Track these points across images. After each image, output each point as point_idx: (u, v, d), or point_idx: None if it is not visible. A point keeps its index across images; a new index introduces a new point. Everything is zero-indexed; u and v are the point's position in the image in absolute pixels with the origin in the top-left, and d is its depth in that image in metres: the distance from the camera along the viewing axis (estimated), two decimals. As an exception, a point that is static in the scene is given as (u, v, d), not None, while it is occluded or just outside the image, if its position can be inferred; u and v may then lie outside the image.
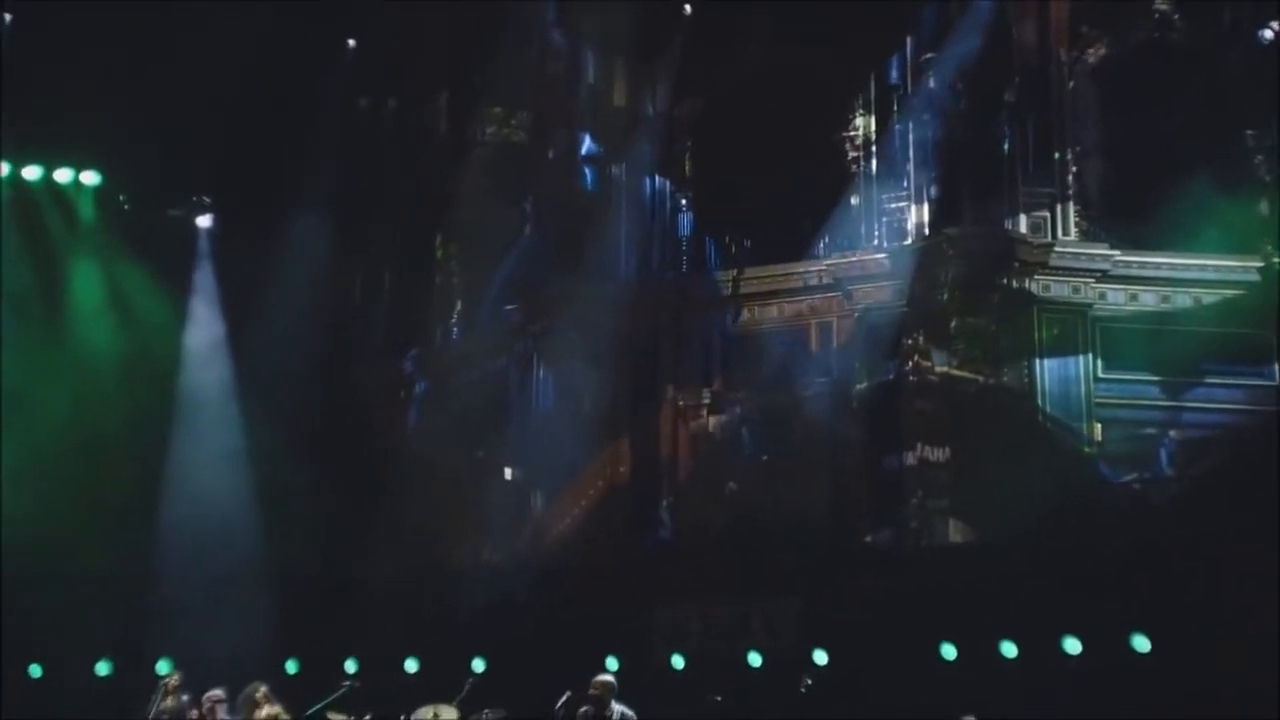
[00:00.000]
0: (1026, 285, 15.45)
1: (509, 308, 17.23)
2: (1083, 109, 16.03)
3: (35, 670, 15.59)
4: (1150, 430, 15.23)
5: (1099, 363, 15.34)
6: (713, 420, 16.41)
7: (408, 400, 17.57)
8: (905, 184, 15.95)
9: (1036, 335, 15.38)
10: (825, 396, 15.86)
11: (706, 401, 16.47)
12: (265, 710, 13.50)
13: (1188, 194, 14.78)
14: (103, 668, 15.70)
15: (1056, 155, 15.76)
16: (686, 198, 17.04)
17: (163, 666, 14.58)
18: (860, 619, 14.22)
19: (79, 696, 15.22)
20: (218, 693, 12.46)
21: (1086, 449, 15.19)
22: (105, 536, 15.40)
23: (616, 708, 11.47)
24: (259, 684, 13.70)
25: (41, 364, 15.82)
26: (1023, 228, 15.57)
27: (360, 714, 13.22)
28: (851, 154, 16.36)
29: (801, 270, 16.22)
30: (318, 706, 13.44)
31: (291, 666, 15.26)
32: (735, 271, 16.58)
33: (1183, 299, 15.44)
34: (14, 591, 15.01)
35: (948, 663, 13.96)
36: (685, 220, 16.99)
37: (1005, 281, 15.45)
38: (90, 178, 16.24)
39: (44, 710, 14.81)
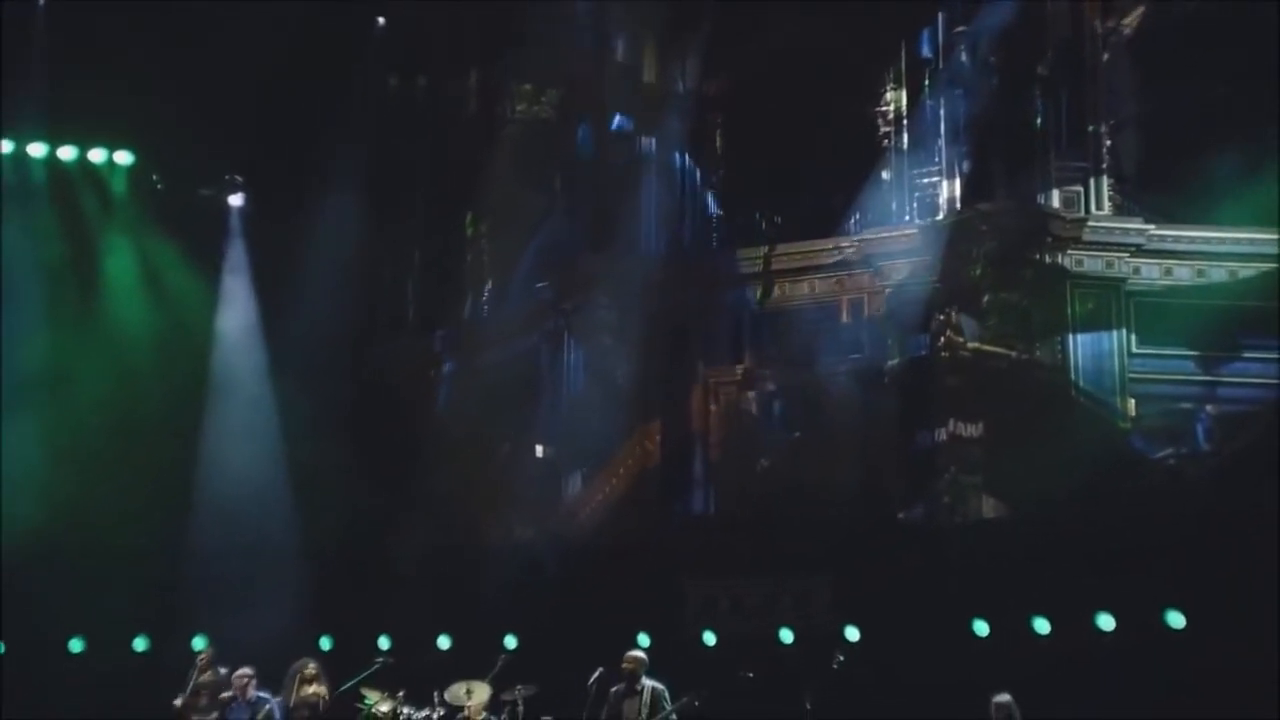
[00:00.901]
0: (1059, 260, 15.33)
1: (539, 285, 17.23)
2: (1117, 81, 15.84)
3: (76, 645, 15.82)
4: (1186, 405, 15.09)
5: (1133, 338, 15.21)
6: (743, 397, 16.38)
7: (438, 378, 17.61)
8: (937, 159, 15.83)
9: (1069, 310, 15.26)
10: (856, 373, 15.80)
11: (737, 378, 16.44)
12: (312, 687, 13.67)
13: (1223, 167, 14.62)
14: (140, 643, 15.91)
15: (1090, 129, 15.59)
16: (717, 174, 16.98)
17: (198, 642, 14.75)
18: (892, 595, 14.22)
19: (118, 671, 15.41)
20: (247, 670, 12.59)
21: (1121, 424, 15.09)
22: (141, 514, 15.56)
23: (648, 683, 11.53)
24: (308, 660, 13.89)
25: (78, 343, 15.97)
26: (1055, 202, 15.44)
27: (393, 691, 13.31)
28: (882, 129, 16.24)
29: (832, 246, 16.13)
30: (351, 683, 13.57)
31: (325, 643, 15.41)
32: (766, 248, 16.51)
33: (1218, 273, 15.27)
34: (53, 567, 15.18)
35: (980, 639, 13.95)
36: (715, 197, 16.93)
37: (1038, 257, 15.34)
38: (124, 158, 16.37)
39: (84, 683, 15.02)
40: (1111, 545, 13.54)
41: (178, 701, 13.43)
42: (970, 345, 15.31)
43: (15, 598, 15.25)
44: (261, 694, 12.50)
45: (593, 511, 16.63)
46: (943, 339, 15.47)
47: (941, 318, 15.47)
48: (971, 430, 15.23)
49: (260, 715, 12.21)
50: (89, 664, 15.71)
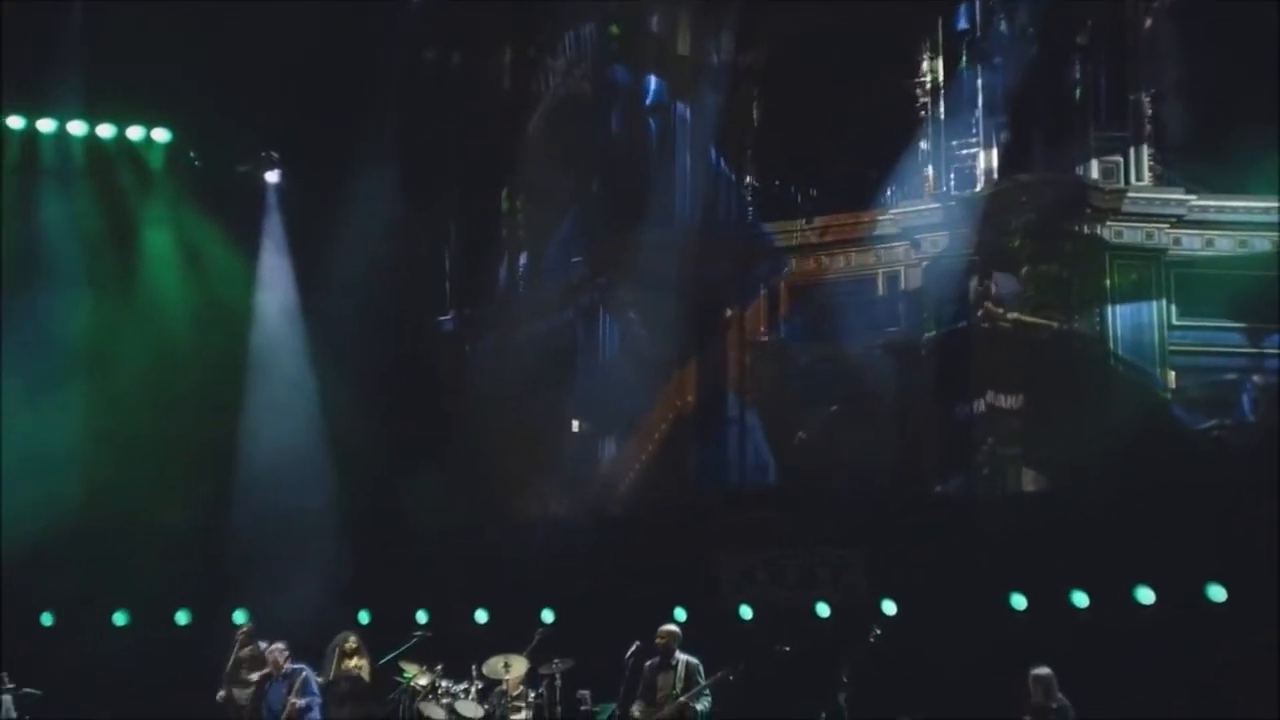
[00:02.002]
0: (1098, 232, 15.17)
1: (574, 260, 17.23)
2: (1158, 50, 15.62)
3: (120, 618, 16.03)
4: (1231, 376, 14.92)
5: (1173, 309, 15.06)
6: (779, 370, 16.32)
7: (474, 353, 17.65)
8: (974, 130, 15.67)
9: (1108, 282, 15.11)
10: (892, 346, 15.72)
11: (772, 352, 16.39)
12: (353, 660, 13.83)
13: (1267, 136, 14.42)
14: (182, 617, 16.09)
15: (1130, 98, 15.41)
16: (751, 147, 16.88)
17: (239, 616, 14.91)
18: (929, 569, 14.17)
19: (161, 644, 15.60)
20: (280, 645, 12.72)
21: (1162, 395, 14.94)
22: (182, 490, 15.70)
23: (682, 657, 11.55)
24: (349, 633, 14.03)
25: (117, 320, 16.10)
26: (1094, 173, 15.27)
27: (431, 664, 13.42)
28: (919, 101, 16.09)
29: (869, 219, 16.02)
30: (390, 657, 13.68)
31: (363, 617, 15.53)
32: (801, 221, 16.43)
33: (1261, 243, 15.05)
34: (97, 543, 15.35)
35: (1018, 613, 13.89)
36: (750, 169, 16.84)
37: (1077, 228, 15.19)
38: (161, 135, 16.46)
39: (128, 656, 15.21)
40: (1153, 517, 13.43)
41: (220, 695, 13.61)
42: (1011, 316, 15.20)
43: (62, 572, 15.44)
44: (296, 665, 12.63)
45: (628, 485, 16.64)
46: (981, 311, 15.37)
47: (980, 290, 15.36)
48: (1011, 402, 15.15)
49: (296, 684, 12.31)
50: (133, 637, 15.91)
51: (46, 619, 15.98)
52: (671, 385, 16.52)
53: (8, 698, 12.98)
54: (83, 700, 13.85)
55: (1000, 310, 15.27)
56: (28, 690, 13.13)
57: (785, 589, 15.25)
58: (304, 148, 16.60)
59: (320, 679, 13.04)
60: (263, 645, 13.80)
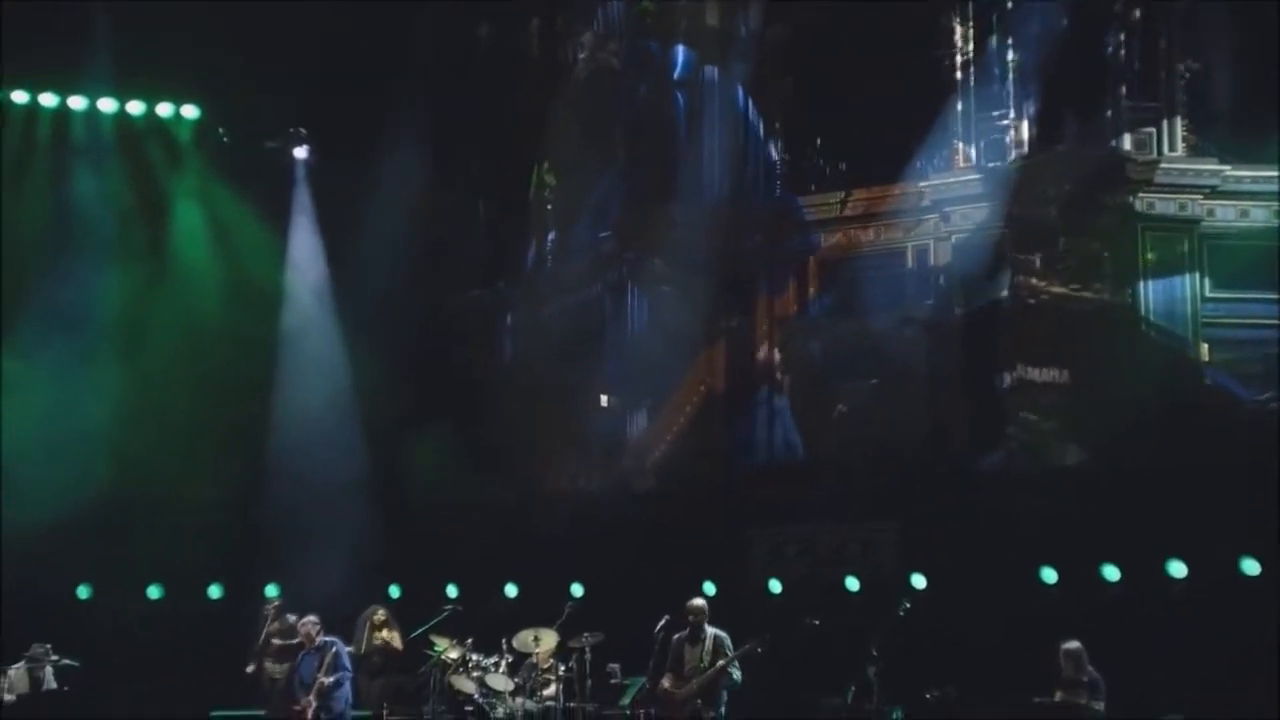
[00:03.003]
0: (1131, 203, 15.04)
1: (603, 235, 17.20)
2: (1193, 19, 15.44)
3: (155, 591, 16.19)
4: (1272, 350, 14.75)
5: (1206, 281, 14.92)
6: (808, 344, 16.27)
7: (503, 328, 17.66)
8: (1005, 101, 15.53)
9: (1141, 254, 14.98)
10: (923, 320, 15.64)
11: (802, 325, 16.34)
12: (384, 633, 13.92)
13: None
14: (214, 591, 16.23)
15: (1164, 68, 15.24)
16: (780, 119, 16.78)
17: (270, 590, 15.02)
18: (959, 543, 14.14)
19: (195, 617, 15.74)
20: (312, 618, 12.78)
21: (1198, 367, 14.80)
22: (214, 464, 15.80)
23: (710, 630, 11.55)
24: (378, 607, 14.11)
25: (148, 297, 16.19)
26: (1127, 144, 15.13)
27: (462, 638, 13.48)
28: (949, 72, 15.96)
29: (898, 192, 15.90)
30: (420, 630, 13.75)
31: (394, 591, 15.62)
32: (830, 194, 16.35)
33: (1299, 214, 14.90)
34: (133, 518, 15.47)
35: (1048, 587, 13.85)
36: (779, 142, 16.75)
37: (1109, 200, 15.05)
38: (190, 111, 16.51)
39: (163, 628, 15.36)
40: (1185, 491, 13.33)
41: (250, 668, 13.73)
42: (1040, 289, 15.08)
43: (97, 547, 15.58)
44: (329, 639, 12.70)
45: (657, 458, 16.65)
46: (1012, 284, 15.27)
47: (1010, 263, 15.26)
48: (1042, 375, 15.07)
49: (327, 660, 12.38)
50: (166, 610, 16.06)
51: (83, 592, 16.16)
52: (700, 360, 16.50)
53: (49, 669, 13.14)
54: (118, 671, 13.99)
55: (1031, 284, 15.16)
56: (67, 661, 13.28)
57: (814, 563, 15.24)
58: (332, 123, 16.62)
59: (350, 649, 13.10)
60: (291, 618, 13.91)
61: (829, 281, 16.21)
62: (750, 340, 16.43)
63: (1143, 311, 14.95)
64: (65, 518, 14.81)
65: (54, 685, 13.13)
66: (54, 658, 13.16)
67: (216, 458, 15.72)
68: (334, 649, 12.54)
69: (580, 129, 17.36)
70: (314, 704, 12.27)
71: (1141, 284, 14.97)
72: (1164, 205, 15.01)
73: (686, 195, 16.67)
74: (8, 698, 12.77)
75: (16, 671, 12.97)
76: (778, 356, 16.33)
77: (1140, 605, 13.20)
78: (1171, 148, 15.10)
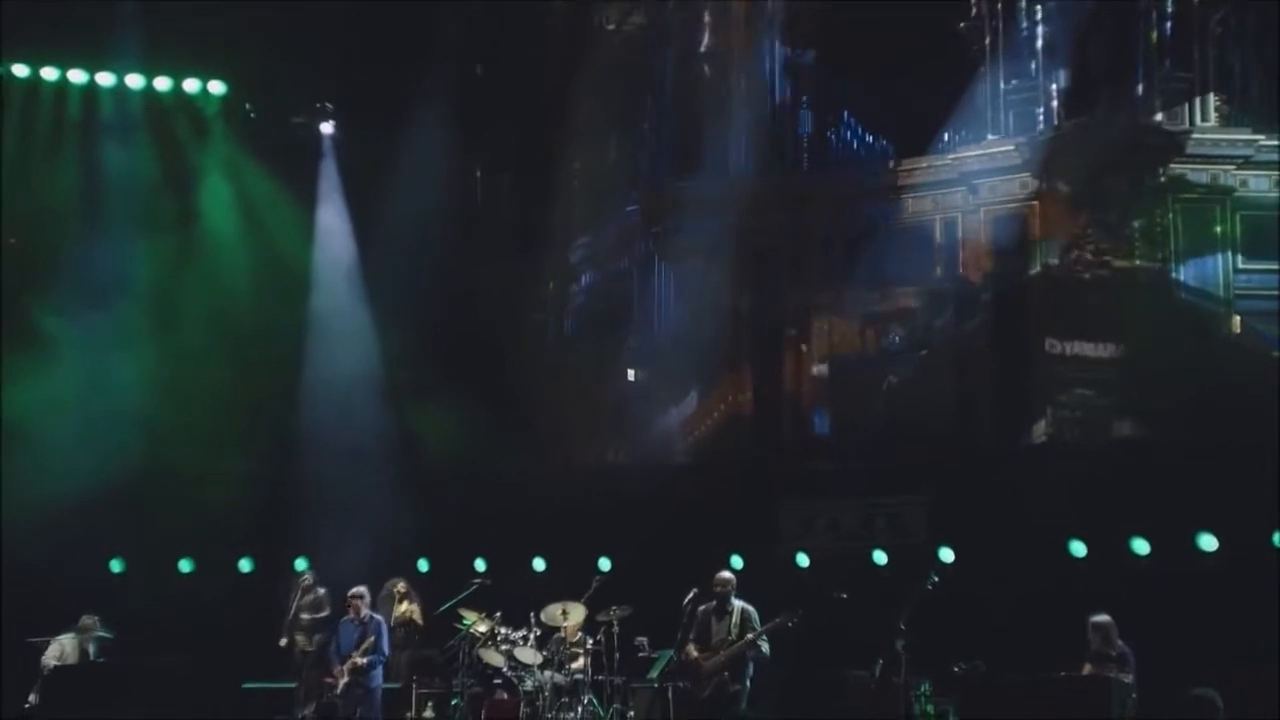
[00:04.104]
0: (1162, 174, 14.90)
1: (629, 208, 17.17)
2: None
3: (186, 565, 16.31)
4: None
5: (1238, 253, 14.78)
6: (837, 317, 16.21)
7: (531, 302, 17.67)
8: (1034, 73, 15.42)
9: (1172, 225, 14.86)
10: (951, 293, 15.57)
11: (829, 299, 16.29)
12: (404, 605, 13.95)
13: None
14: (245, 564, 16.33)
15: (1196, 38, 15.07)
16: (807, 93, 16.70)
17: (300, 564, 15.10)
18: (988, 516, 14.09)
19: (225, 590, 15.85)
20: (361, 590, 12.78)
21: (1229, 337, 14.69)
22: (244, 439, 15.86)
23: (737, 604, 11.54)
24: (398, 579, 14.14)
25: (178, 271, 16.24)
26: (1158, 115, 14.98)
27: (490, 612, 13.52)
28: (978, 44, 15.83)
29: (926, 165, 15.84)
30: (449, 604, 13.80)
31: (423, 565, 15.68)
32: (858, 168, 16.27)
33: (1334, 184, 14.74)
34: (164, 492, 15.57)
35: (1077, 560, 13.79)
36: (806, 117, 16.67)
37: (1139, 171, 14.94)
38: (217, 87, 16.54)
39: (194, 602, 15.47)
40: (1220, 464, 13.24)
41: (283, 641, 13.81)
42: (1082, 261, 14.97)
43: (130, 521, 15.70)
44: (376, 616, 12.68)
45: (685, 432, 16.65)
46: (1040, 257, 15.17)
47: (1039, 235, 15.17)
48: (1075, 348, 15.00)
49: (369, 638, 12.35)
50: (198, 583, 16.18)
51: (116, 565, 16.30)
52: (727, 332, 16.47)
53: (95, 641, 13.30)
54: (150, 644, 14.10)
55: (1072, 256, 15.04)
56: (100, 633, 13.40)
57: (842, 537, 15.23)
58: (359, 98, 16.62)
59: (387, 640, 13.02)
60: (321, 591, 13.99)
61: (857, 255, 16.13)
62: (778, 312, 16.38)
63: (1177, 282, 14.83)
64: (98, 492, 14.92)
65: (95, 657, 13.30)
66: (99, 632, 13.31)
67: (246, 432, 15.78)
68: (378, 630, 12.43)
69: (607, 102, 17.30)
70: (347, 678, 12.29)
71: (1173, 256, 14.85)
72: (1196, 176, 14.90)
73: (714, 169, 16.62)
74: (53, 663, 12.93)
75: (70, 641, 13.13)
76: (806, 329, 16.27)
77: (1170, 579, 13.11)
78: (1204, 118, 14.97)
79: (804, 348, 16.30)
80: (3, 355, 15.19)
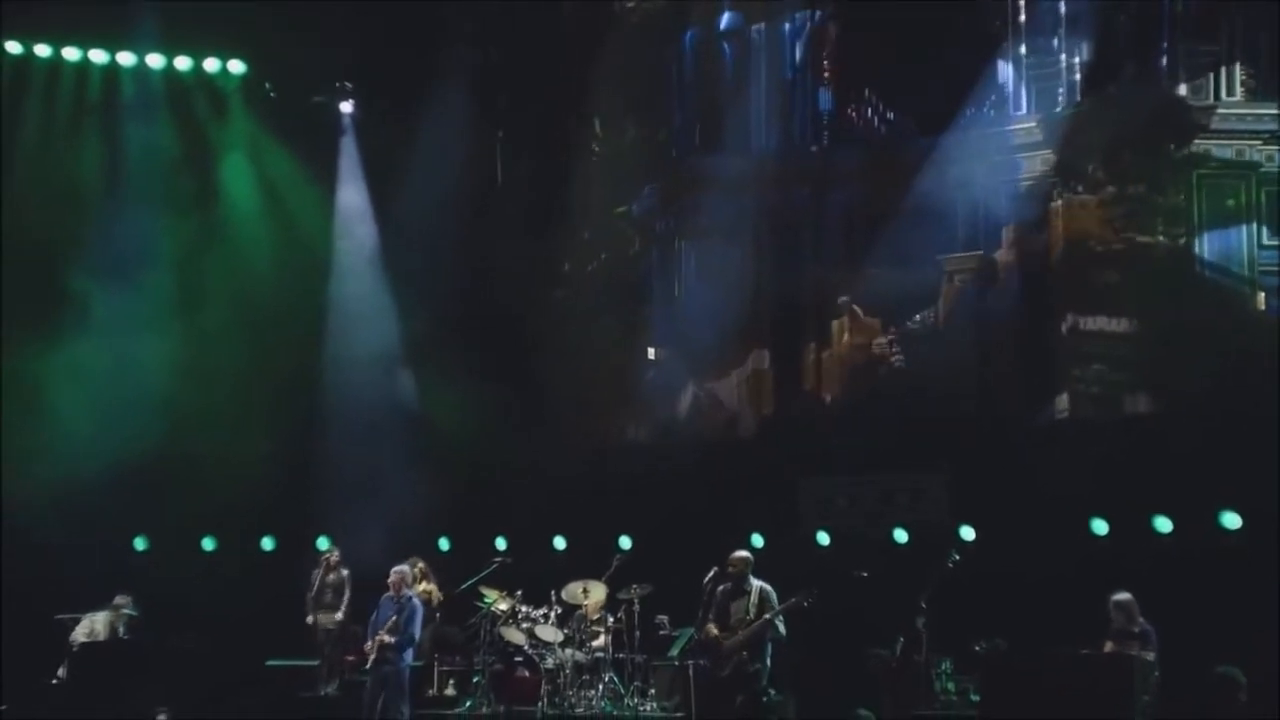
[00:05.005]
0: (1186, 149, 14.76)
1: (649, 187, 17.12)
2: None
3: (208, 543, 16.43)
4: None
5: (1263, 229, 14.64)
6: (858, 294, 16.14)
7: (552, 280, 17.65)
8: (1056, 47, 15.28)
9: (1196, 201, 14.72)
10: (973, 270, 15.49)
11: (851, 276, 16.21)
12: (422, 585, 14.01)
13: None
14: (267, 543, 16.43)
15: (1221, 10, 14.90)
16: (827, 70, 16.60)
17: (322, 543, 15.18)
18: (1009, 494, 14.05)
19: (248, 569, 15.96)
20: (404, 568, 12.68)
21: (1254, 315, 14.57)
22: (266, 418, 15.93)
23: (755, 583, 11.54)
24: (415, 558, 14.20)
25: (199, 251, 16.30)
26: (1182, 89, 14.83)
27: (511, 590, 13.57)
28: (1000, 19, 15.69)
29: (948, 142, 15.70)
30: (470, 582, 13.87)
31: (444, 544, 15.74)
32: (879, 145, 16.17)
33: (1364, 159, 14.55)
34: (187, 471, 15.66)
35: (1099, 538, 13.75)
36: (826, 94, 16.57)
37: (1163, 146, 14.79)
38: (237, 66, 16.55)
39: (218, 579, 15.58)
40: (1239, 442, 13.17)
41: (309, 619, 13.89)
42: (1105, 237, 14.86)
43: (154, 500, 15.80)
44: (413, 598, 12.65)
45: (705, 410, 16.64)
46: (1064, 232, 15.07)
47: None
48: (1099, 324, 14.91)
49: (402, 619, 12.34)
50: (221, 561, 16.30)
51: (140, 543, 16.42)
52: (748, 310, 16.43)
53: (123, 623, 13.42)
54: (174, 622, 14.21)
55: (1095, 232, 14.94)
56: (126, 611, 13.52)
57: (863, 515, 15.21)
58: (378, 77, 16.62)
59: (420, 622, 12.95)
60: (345, 572, 14.06)
61: (877, 232, 16.04)
62: (798, 291, 16.33)
63: (1200, 259, 14.72)
64: (121, 471, 15.02)
65: (124, 634, 13.43)
66: (129, 611, 13.43)
67: (268, 411, 15.85)
68: (411, 611, 12.35)
69: (626, 79, 17.23)
70: (375, 654, 12.30)
71: (1196, 232, 14.72)
72: (1221, 151, 14.72)
73: (734, 147, 16.55)
74: (82, 639, 13.06)
75: (101, 618, 13.26)
76: (826, 306, 16.21)
77: (1192, 556, 13.06)
78: (1229, 92, 14.78)
79: (825, 326, 16.24)
80: (27, 334, 15.28)
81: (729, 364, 16.59)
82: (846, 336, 16.13)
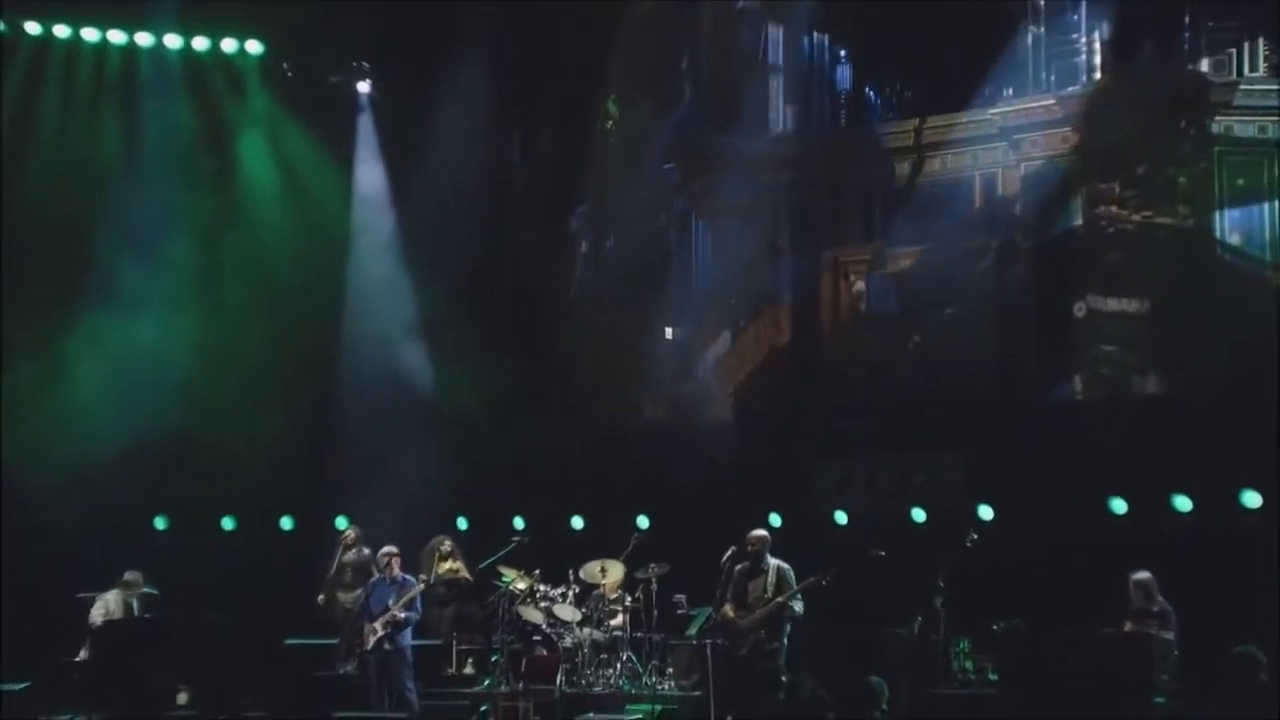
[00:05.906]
0: (1208, 126, 14.64)
1: (667, 166, 17.09)
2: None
3: (228, 523, 16.50)
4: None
5: (1287, 208, 14.53)
6: (875, 276, 16.10)
7: (568, 260, 17.65)
8: (1077, 25, 15.16)
9: (1218, 179, 14.61)
10: (991, 249, 15.42)
11: (868, 257, 16.16)
12: (448, 564, 14.09)
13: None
14: (286, 522, 16.50)
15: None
16: (846, 49, 16.52)
17: (340, 522, 15.23)
18: (1027, 473, 14.01)
19: (267, 548, 16.03)
20: (392, 549, 12.88)
21: (1274, 295, 14.46)
22: (284, 397, 15.98)
23: (772, 562, 11.55)
24: (444, 537, 14.26)
25: (217, 231, 16.33)
26: (1204, 66, 14.71)
27: (529, 569, 13.60)
28: (1019, -5, 15.60)
29: (966, 120, 15.62)
30: (489, 562, 13.90)
31: (462, 523, 15.78)
32: (897, 124, 16.10)
33: (1388, 136, 14.41)
34: (206, 450, 15.73)
35: (1117, 517, 13.71)
36: (844, 73, 16.50)
37: (1185, 124, 14.68)
38: (254, 47, 16.56)
39: (237, 559, 15.66)
40: (1259, 421, 13.10)
41: (320, 598, 13.96)
42: (1126, 216, 14.77)
43: (173, 479, 15.87)
44: (408, 577, 12.76)
45: (722, 390, 16.62)
46: (1083, 212, 14.99)
47: (1082, 190, 14.97)
48: (1112, 305, 14.83)
49: (405, 597, 12.47)
50: (239, 541, 16.37)
51: (160, 523, 16.50)
52: (765, 291, 16.39)
53: (139, 597, 13.49)
54: (193, 600, 14.29)
55: (1102, 211, 14.85)
56: (145, 589, 13.59)
57: (880, 495, 15.19)
58: (395, 57, 16.60)
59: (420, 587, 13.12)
60: (366, 551, 14.09)
61: (896, 211, 15.99)
62: (816, 271, 16.29)
63: (1220, 239, 14.61)
64: (142, 450, 15.09)
65: (140, 612, 13.49)
66: (143, 588, 13.49)
67: (286, 391, 15.89)
68: (412, 589, 12.53)
69: (644, 58, 17.18)
70: (379, 633, 12.40)
71: (1219, 210, 14.61)
72: (1243, 128, 14.58)
73: (752, 126, 16.49)
74: (99, 619, 13.13)
75: (114, 597, 13.33)
76: (843, 286, 16.18)
77: (1212, 535, 13.01)
78: (1252, 69, 14.64)
79: (842, 305, 16.20)
80: (45, 313, 15.34)
81: (745, 343, 16.56)
82: (864, 315, 16.08)
